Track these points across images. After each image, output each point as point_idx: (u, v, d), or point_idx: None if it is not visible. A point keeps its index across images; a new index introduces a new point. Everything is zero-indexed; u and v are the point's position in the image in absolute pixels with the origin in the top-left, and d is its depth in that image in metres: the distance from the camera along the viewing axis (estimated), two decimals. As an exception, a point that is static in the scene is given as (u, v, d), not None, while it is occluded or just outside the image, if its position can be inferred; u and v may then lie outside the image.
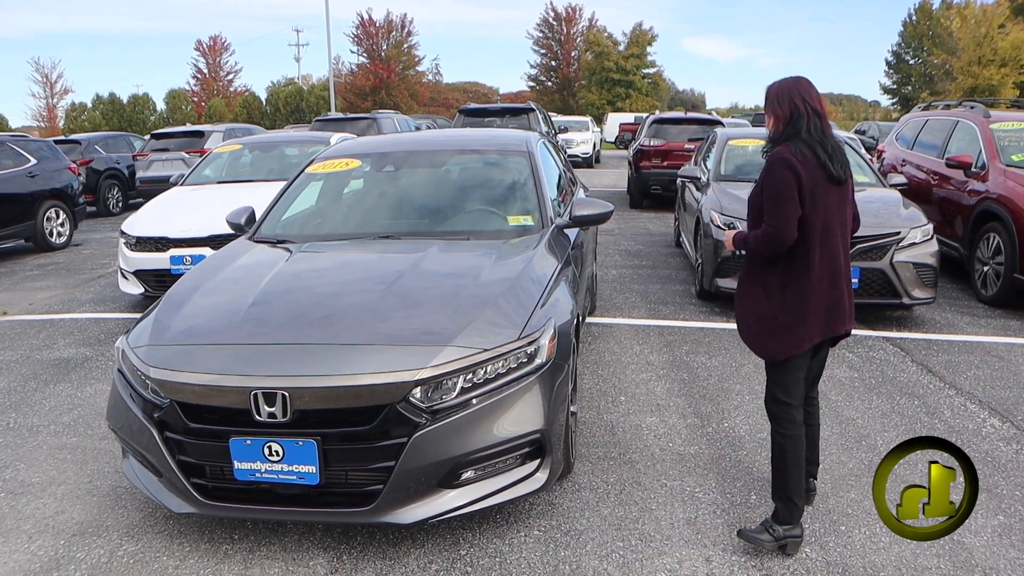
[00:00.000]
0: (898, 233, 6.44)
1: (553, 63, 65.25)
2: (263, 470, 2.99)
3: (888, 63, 51.93)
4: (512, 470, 3.18)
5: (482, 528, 3.39)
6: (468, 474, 3.08)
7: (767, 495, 3.66)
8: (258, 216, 4.81)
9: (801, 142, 3.03)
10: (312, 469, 2.95)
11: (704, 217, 7.31)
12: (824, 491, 3.70)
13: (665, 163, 14.28)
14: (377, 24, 60.82)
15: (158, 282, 7.01)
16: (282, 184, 5.23)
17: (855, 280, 6.29)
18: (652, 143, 14.67)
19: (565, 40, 64.20)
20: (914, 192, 8.64)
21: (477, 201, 4.77)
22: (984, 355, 5.82)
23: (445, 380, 3.00)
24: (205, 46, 64.06)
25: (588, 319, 6.62)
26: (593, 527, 3.39)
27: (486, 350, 3.06)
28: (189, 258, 6.94)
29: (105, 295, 8.21)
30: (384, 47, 61.02)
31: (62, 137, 16.81)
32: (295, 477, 2.98)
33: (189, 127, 18.34)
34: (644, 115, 23.00)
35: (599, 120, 44.89)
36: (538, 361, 3.21)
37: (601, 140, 35.10)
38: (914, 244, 6.47)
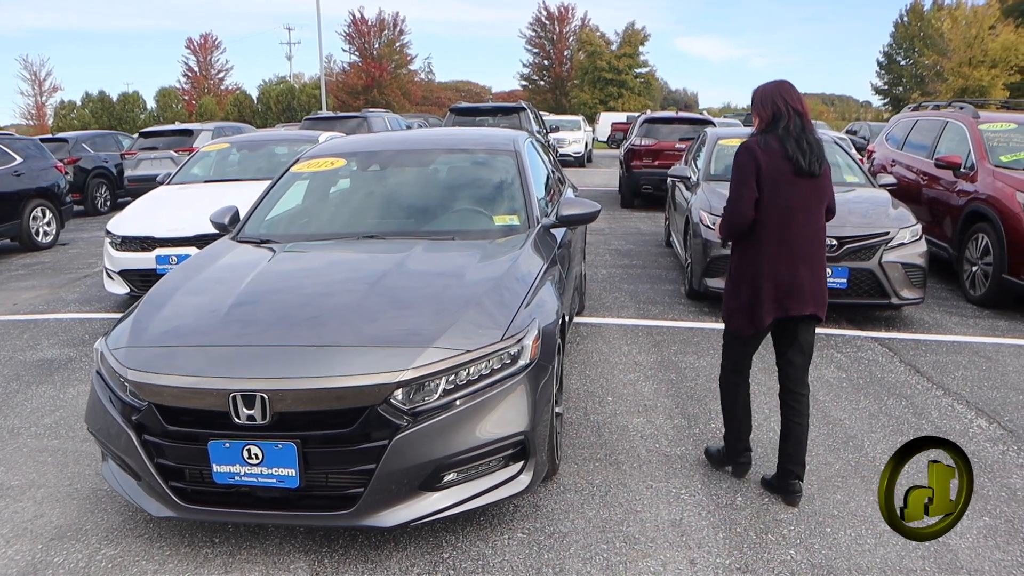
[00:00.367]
0: (887, 233, 6.43)
1: (546, 62, 65.32)
2: (242, 473, 2.95)
3: (880, 64, 52.17)
4: (495, 472, 3.15)
5: (465, 531, 3.35)
6: (451, 476, 3.05)
7: (753, 496, 3.66)
8: (242, 216, 4.76)
9: (774, 136, 3.32)
10: (292, 472, 2.91)
11: (693, 217, 7.29)
12: (810, 492, 3.68)
13: (656, 163, 14.26)
14: (369, 22, 60.84)
15: (144, 282, 6.94)
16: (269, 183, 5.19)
17: (843, 280, 6.30)
18: (643, 143, 14.65)
19: (558, 39, 64.28)
20: (904, 192, 8.65)
21: (463, 201, 4.73)
22: (972, 355, 5.81)
23: (427, 382, 2.96)
24: (196, 44, 63.87)
25: (577, 319, 6.60)
26: (577, 529, 3.37)
27: (469, 351, 3.03)
28: (175, 258, 6.88)
29: (91, 295, 8.14)
30: (376, 46, 61.00)
31: (49, 135, 16.68)
32: (275, 480, 2.94)
33: (178, 126, 18.25)
34: (636, 114, 22.97)
35: (591, 119, 44.91)
36: (522, 362, 3.17)
37: (593, 140, 35.09)
38: (903, 244, 6.46)
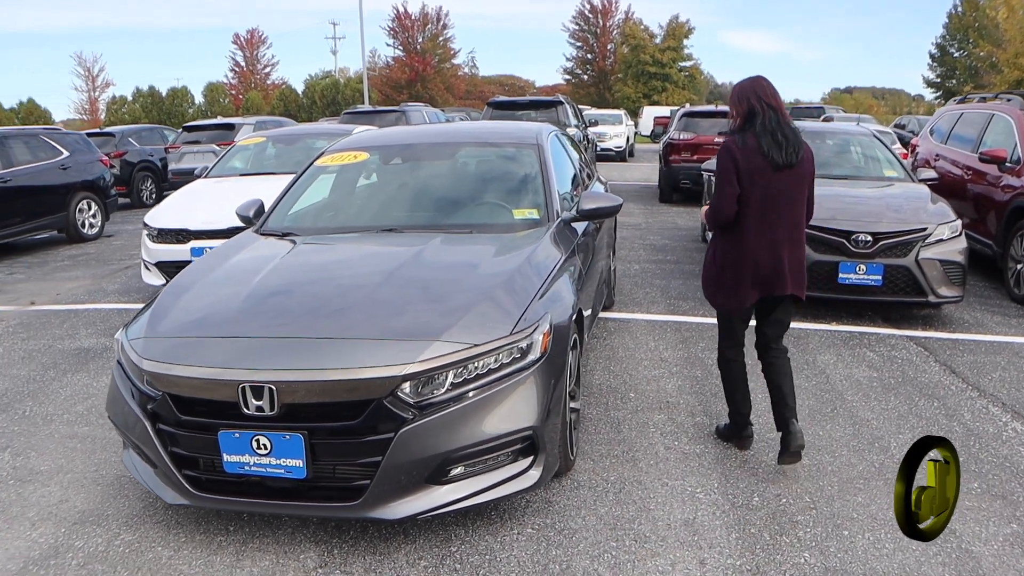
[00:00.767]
0: (924, 229, 6.26)
1: (589, 56, 64.96)
2: (252, 463, 2.98)
3: (932, 56, 50.79)
4: (504, 467, 3.14)
5: (475, 525, 3.35)
6: (458, 470, 3.04)
7: (770, 497, 3.59)
8: (266, 209, 4.82)
9: (751, 134, 3.60)
10: (299, 463, 2.94)
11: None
12: (830, 493, 3.60)
13: (695, 157, 14.05)
14: (412, 17, 61.14)
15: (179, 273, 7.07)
16: (298, 176, 5.24)
17: (878, 277, 6.16)
18: (682, 137, 14.47)
19: (601, 33, 63.89)
20: (947, 187, 8.42)
21: (483, 194, 4.72)
22: (1012, 356, 5.64)
23: (435, 375, 2.96)
24: (243, 39, 65.00)
25: (604, 314, 6.55)
26: (588, 526, 3.34)
27: (476, 345, 3.02)
28: (209, 250, 6.98)
29: (131, 286, 8.32)
30: (420, 40, 61.31)
31: (97, 130, 17.08)
32: (283, 471, 2.96)
33: (220, 120, 18.53)
34: (677, 108, 22.72)
35: (634, 114, 44.55)
36: (532, 356, 3.15)
37: (635, 134, 34.80)
38: (941, 240, 6.28)
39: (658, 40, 59.20)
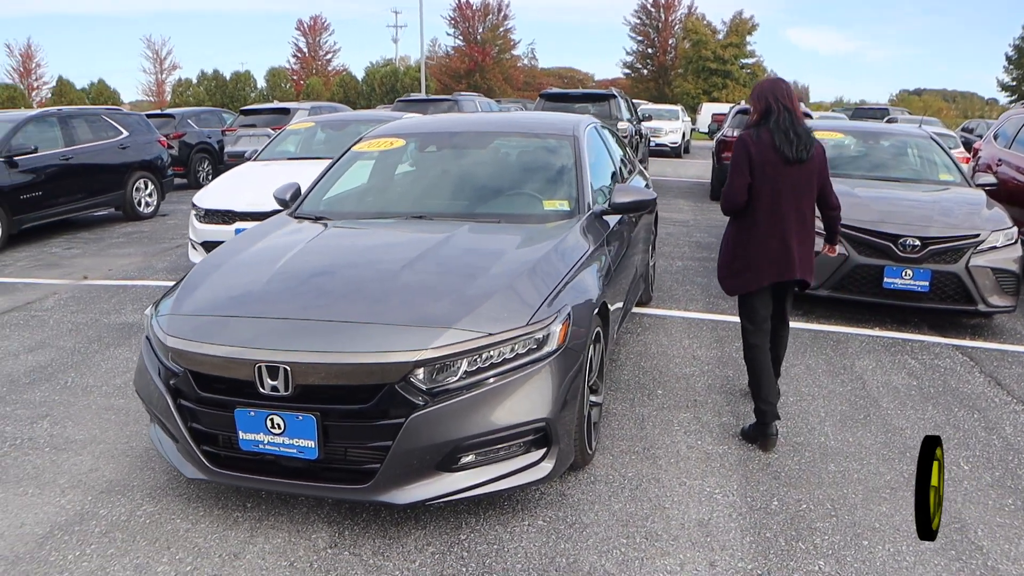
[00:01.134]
0: (977, 235, 6.04)
1: (649, 50, 64.29)
2: (265, 442, 3.02)
3: (1008, 58, 48.89)
4: (516, 457, 3.13)
5: (486, 514, 3.35)
6: (469, 458, 3.04)
7: (790, 502, 3.51)
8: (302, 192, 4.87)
9: (766, 129, 3.89)
10: (311, 444, 2.97)
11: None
12: (853, 502, 3.51)
13: (748, 154, 13.81)
14: (473, 7, 61.27)
15: (223, 253, 7.21)
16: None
17: (925, 283, 5.98)
18: (735, 134, 14.22)
19: (663, 27, 63.12)
20: (1008, 193, 8.13)
21: (515, 184, 4.69)
22: (1063, 370, 5.41)
23: (448, 362, 2.96)
24: (306, 25, 66.06)
25: (640, 310, 6.49)
26: (600, 521, 3.31)
27: (491, 334, 3.01)
28: (251, 231, 7.11)
29: (180, 264, 8.52)
30: (480, 30, 61.42)
31: (158, 111, 17.49)
32: (295, 451, 3.00)
33: (276, 104, 18.82)
34: (735, 105, 22.32)
35: (693, 110, 43.95)
36: (548, 348, 3.13)
37: (692, 130, 34.31)
38: (995, 248, 6.06)
39: (720, 36, 58.26)
